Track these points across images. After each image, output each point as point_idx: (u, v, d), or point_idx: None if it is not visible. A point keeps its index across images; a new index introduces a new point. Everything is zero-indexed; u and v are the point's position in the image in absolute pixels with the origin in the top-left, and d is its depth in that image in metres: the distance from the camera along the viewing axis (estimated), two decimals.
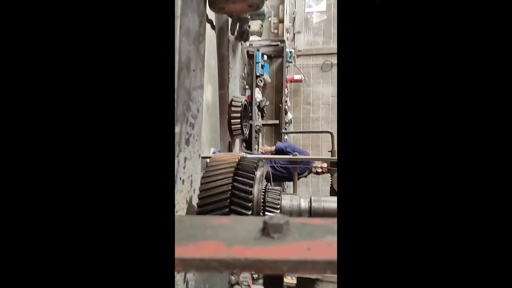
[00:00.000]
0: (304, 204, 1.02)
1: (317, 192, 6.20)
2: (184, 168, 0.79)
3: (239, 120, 1.56)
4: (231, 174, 0.96)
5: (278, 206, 1.01)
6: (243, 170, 0.97)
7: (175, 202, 0.78)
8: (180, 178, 0.78)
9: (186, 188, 0.84)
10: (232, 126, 1.50)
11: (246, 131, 1.57)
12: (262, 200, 1.01)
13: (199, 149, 0.88)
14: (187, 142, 0.79)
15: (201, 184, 0.94)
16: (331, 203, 1.01)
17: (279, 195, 1.03)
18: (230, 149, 1.33)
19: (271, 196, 1.03)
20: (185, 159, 0.79)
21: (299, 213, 1.02)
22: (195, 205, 0.92)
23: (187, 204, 0.85)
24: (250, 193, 0.92)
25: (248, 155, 1.10)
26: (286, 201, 1.03)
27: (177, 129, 0.72)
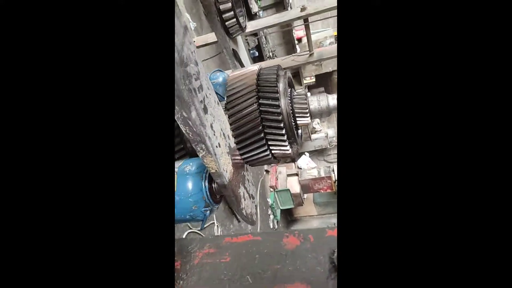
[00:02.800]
0: (332, 101, 1.02)
1: None
2: (214, 133, 0.78)
3: (231, 11, 1.32)
4: (255, 97, 0.93)
5: (307, 111, 1.02)
6: (264, 90, 0.94)
7: (221, 165, 0.81)
8: (217, 146, 0.78)
9: (224, 145, 0.85)
10: (226, 23, 1.29)
11: (245, 23, 1.35)
12: (291, 110, 1.01)
13: (215, 99, 0.84)
14: (205, 110, 0.75)
15: (229, 117, 0.94)
16: None
17: (306, 100, 1.02)
18: (237, 58, 1.20)
19: (298, 103, 1.03)
20: (211, 125, 0.77)
21: (328, 111, 1.03)
22: (234, 145, 0.95)
23: (229, 155, 0.89)
24: (279, 113, 0.92)
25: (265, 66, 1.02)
26: (314, 104, 1.03)
27: (193, 115, 0.67)
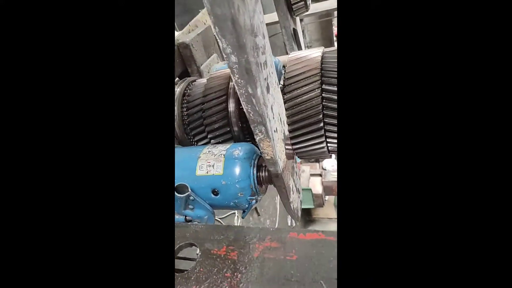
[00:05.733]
0: None
1: None
2: (273, 116, 0.70)
3: None
4: (318, 82, 0.84)
5: None
6: (329, 75, 0.85)
7: (277, 152, 0.73)
8: (275, 130, 0.71)
9: (280, 131, 0.78)
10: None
11: (309, 0, 1.23)
12: None
13: (275, 80, 0.76)
14: (268, 89, 0.67)
15: (285, 102, 0.86)
16: None
17: None
18: (296, 40, 1.12)
19: None
20: (271, 107, 0.69)
21: None
22: (288, 133, 0.87)
23: (283, 142, 0.81)
24: None
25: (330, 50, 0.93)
26: None
27: (258, 92, 0.60)
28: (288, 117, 0.87)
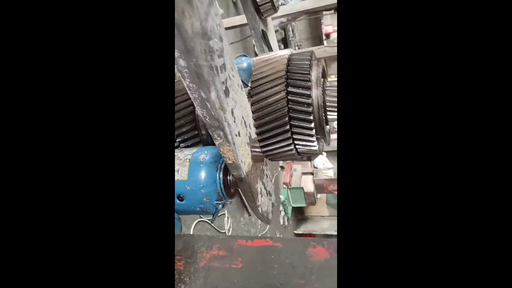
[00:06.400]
0: None
1: None
2: (234, 120, 0.69)
3: None
4: (284, 84, 0.83)
5: None
6: (295, 77, 0.84)
7: (239, 156, 0.72)
8: (236, 134, 0.69)
9: (244, 134, 0.76)
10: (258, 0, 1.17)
11: (278, 2, 1.22)
12: (323, 103, 0.91)
13: (238, 83, 0.74)
14: (227, 93, 0.66)
15: (252, 105, 0.84)
16: None
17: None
18: (266, 41, 1.10)
19: (331, 95, 0.92)
20: (232, 111, 0.67)
21: None
22: (255, 136, 0.86)
23: (249, 146, 0.79)
24: (310, 104, 0.81)
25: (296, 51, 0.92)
26: None
27: (212, 96, 0.59)
28: (255, 120, 0.86)
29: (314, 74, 0.85)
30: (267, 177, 0.97)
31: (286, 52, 0.90)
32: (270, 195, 0.98)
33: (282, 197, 6.04)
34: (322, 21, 6.41)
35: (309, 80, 0.83)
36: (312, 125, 0.83)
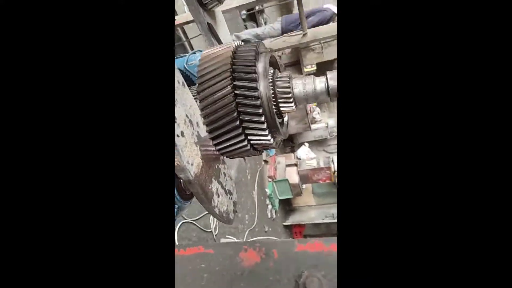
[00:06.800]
0: (319, 85, 0.88)
1: None
2: (176, 121, 0.65)
3: None
4: (229, 78, 0.80)
5: (291, 96, 0.89)
6: (240, 70, 0.80)
7: (184, 157, 0.68)
8: (178, 135, 0.66)
9: (189, 134, 0.73)
10: None
11: None
12: (273, 95, 0.88)
13: (179, 80, 0.71)
14: None
15: (200, 102, 0.81)
16: None
17: (289, 83, 0.88)
18: (213, 34, 1.06)
19: (281, 86, 0.89)
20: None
21: (315, 97, 0.89)
22: (206, 134, 0.82)
23: (197, 145, 0.76)
24: (258, 97, 0.79)
25: (243, 43, 0.89)
26: (299, 88, 0.89)
27: None
28: (204, 117, 0.82)
29: (261, 65, 0.83)
30: (225, 175, 0.94)
31: (231, 44, 0.87)
32: (231, 194, 0.95)
33: (268, 191, 6.05)
34: (293, 10, 6.37)
35: (255, 72, 0.80)
36: (263, 118, 0.81)
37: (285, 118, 1.03)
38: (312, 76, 0.91)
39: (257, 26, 6.41)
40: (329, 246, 0.42)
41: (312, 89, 0.88)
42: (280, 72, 0.95)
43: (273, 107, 0.87)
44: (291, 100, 0.87)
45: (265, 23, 6.73)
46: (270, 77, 0.89)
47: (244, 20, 6.29)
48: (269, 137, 0.85)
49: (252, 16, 6.40)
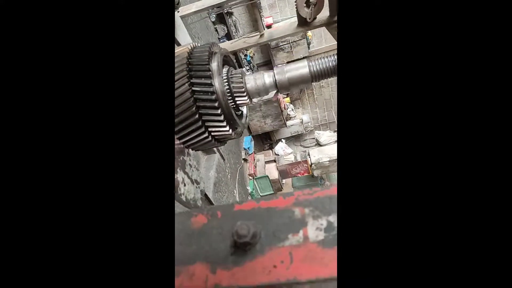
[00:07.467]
0: (268, 80, 0.99)
1: None
2: None
3: None
4: (186, 76, 0.89)
5: (244, 90, 0.99)
6: (196, 69, 0.90)
7: None
8: None
9: None
10: None
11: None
12: (228, 90, 0.98)
13: None
14: None
15: None
16: (294, 71, 0.98)
17: (241, 78, 0.99)
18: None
19: (235, 82, 0.99)
20: None
21: (266, 90, 1.00)
22: None
23: None
24: (213, 92, 0.88)
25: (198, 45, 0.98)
26: (250, 83, 1.00)
27: None
28: None
29: (215, 64, 0.92)
30: (191, 167, 1.03)
31: (187, 45, 0.96)
32: (198, 183, 1.04)
33: (249, 189, 6.14)
34: (261, 14, 6.50)
35: (209, 70, 0.89)
36: (219, 111, 0.90)
37: (244, 111, 1.13)
38: (262, 72, 1.01)
39: (227, 28, 6.48)
40: (259, 203, 0.51)
41: (262, 83, 0.99)
42: (234, 69, 1.06)
43: (229, 100, 0.97)
44: (245, 94, 0.98)
45: (235, 25, 6.83)
46: (225, 74, 0.99)
47: (213, 23, 6.35)
48: (227, 128, 0.95)
49: (222, 19, 6.47)
